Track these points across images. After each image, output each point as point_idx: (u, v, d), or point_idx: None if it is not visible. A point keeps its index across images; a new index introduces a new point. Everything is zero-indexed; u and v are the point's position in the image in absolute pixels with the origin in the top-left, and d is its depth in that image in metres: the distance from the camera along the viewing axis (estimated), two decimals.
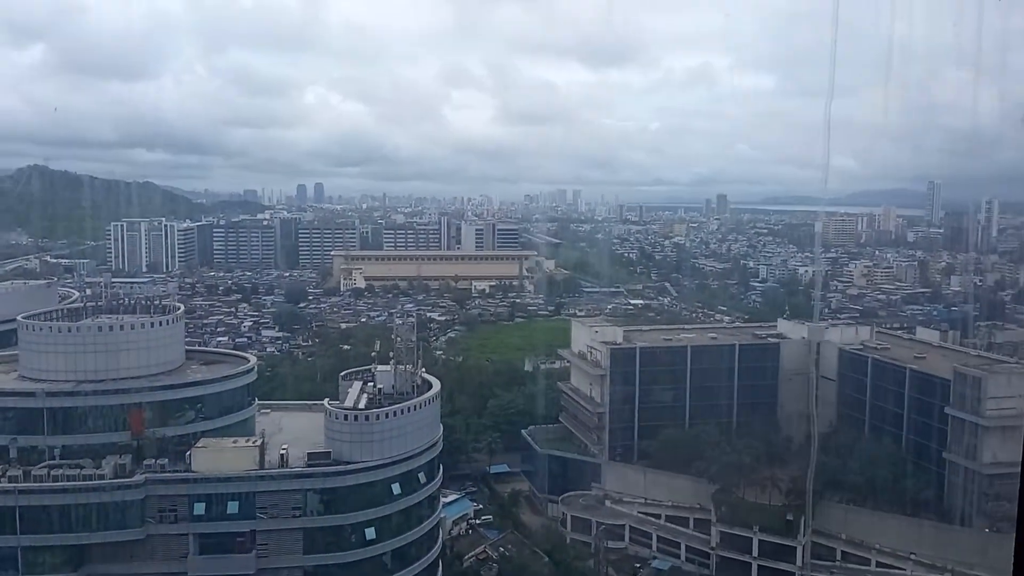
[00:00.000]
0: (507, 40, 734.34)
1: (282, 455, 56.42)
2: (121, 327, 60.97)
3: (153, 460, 55.09)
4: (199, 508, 53.92)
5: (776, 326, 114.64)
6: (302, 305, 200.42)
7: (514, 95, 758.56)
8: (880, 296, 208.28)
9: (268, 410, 68.03)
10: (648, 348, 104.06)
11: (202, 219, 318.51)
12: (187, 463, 54.83)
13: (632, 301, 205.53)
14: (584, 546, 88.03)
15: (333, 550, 55.81)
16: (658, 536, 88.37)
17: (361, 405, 58.28)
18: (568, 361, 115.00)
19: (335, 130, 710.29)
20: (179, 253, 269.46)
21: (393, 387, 61.63)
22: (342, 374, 66.80)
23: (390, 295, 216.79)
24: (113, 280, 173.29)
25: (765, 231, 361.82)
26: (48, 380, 58.29)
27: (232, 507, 54.31)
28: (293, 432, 62.57)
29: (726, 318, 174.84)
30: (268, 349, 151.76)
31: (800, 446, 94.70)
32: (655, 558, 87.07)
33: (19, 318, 61.51)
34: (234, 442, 56.87)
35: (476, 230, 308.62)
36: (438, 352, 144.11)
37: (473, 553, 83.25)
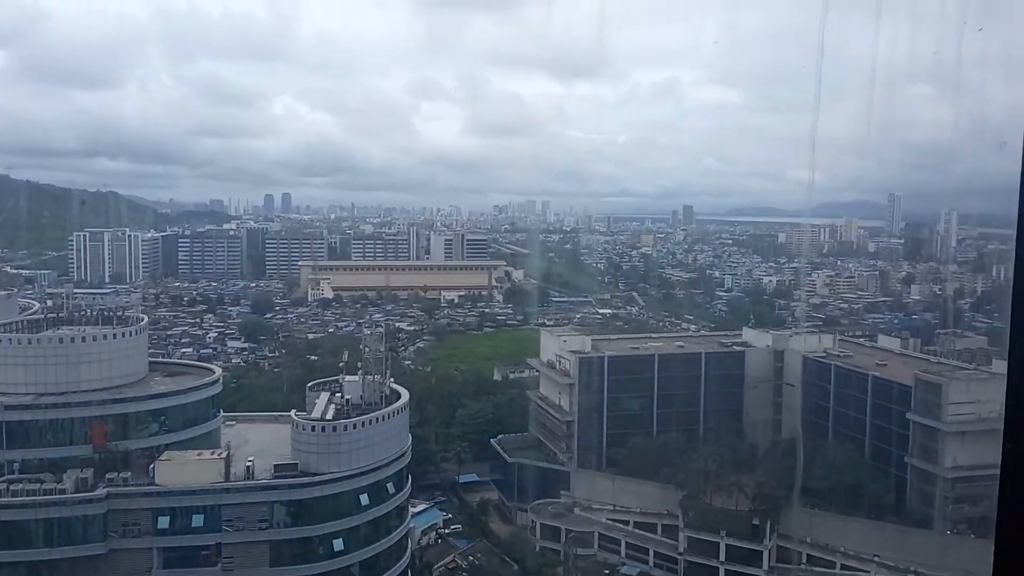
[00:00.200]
0: (477, 53, 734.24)
1: (248, 467, 56.01)
2: (83, 339, 60.17)
3: (116, 474, 54.35)
4: (163, 522, 53.33)
5: (741, 335, 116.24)
6: (268, 316, 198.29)
7: (484, 107, 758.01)
8: (842, 305, 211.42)
9: (234, 422, 67.42)
10: (616, 357, 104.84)
11: (167, 229, 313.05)
12: (151, 476, 54.21)
13: (600, 311, 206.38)
14: (553, 553, 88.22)
15: (301, 562, 55.48)
16: (627, 542, 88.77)
17: (328, 416, 58.05)
18: (537, 370, 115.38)
19: (304, 140, 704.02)
20: (143, 264, 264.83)
21: (361, 397, 61.48)
22: (309, 385, 66.49)
23: (358, 305, 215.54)
24: (75, 291, 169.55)
25: (730, 242, 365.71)
26: (7, 393, 57.23)
27: (197, 520, 53.78)
28: (259, 444, 62.12)
29: (692, 327, 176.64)
30: (234, 360, 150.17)
31: (765, 452, 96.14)
32: (624, 564, 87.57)
33: None
34: (199, 455, 56.35)
35: (445, 240, 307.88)
36: (407, 362, 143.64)
37: (442, 563, 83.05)
